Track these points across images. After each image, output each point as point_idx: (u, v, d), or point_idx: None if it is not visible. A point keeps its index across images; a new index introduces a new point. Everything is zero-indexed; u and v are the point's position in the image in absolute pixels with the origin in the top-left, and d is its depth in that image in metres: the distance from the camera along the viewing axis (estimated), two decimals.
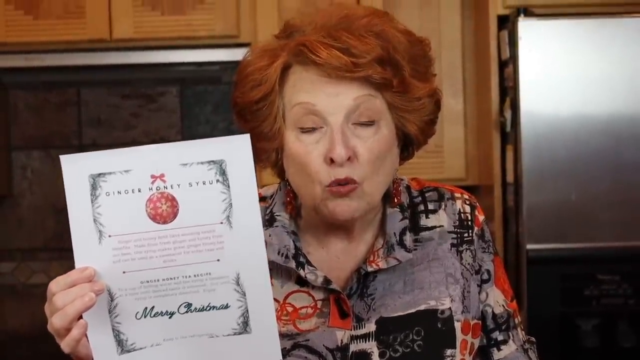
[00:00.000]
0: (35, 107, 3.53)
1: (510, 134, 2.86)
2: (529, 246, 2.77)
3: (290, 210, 1.40)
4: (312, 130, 1.30)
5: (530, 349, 1.48)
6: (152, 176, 1.17)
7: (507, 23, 2.88)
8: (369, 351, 1.35)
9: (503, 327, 1.44)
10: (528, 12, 2.81)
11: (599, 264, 2.76)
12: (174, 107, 3.51)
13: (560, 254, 2.76)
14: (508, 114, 2.85)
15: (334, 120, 1.29)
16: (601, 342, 2.74)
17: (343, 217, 1.33)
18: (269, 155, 1.37)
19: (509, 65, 2.86)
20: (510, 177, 2.87)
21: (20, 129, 3.54)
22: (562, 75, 2.77)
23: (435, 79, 1.37)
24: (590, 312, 2.75)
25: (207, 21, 3.13)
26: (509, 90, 2.86)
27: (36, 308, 3.49)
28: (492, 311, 1.43)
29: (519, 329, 1.46)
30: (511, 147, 2.86)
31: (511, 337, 1.45)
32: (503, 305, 1.44)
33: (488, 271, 1.44)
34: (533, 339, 1.50)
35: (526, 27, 2.77)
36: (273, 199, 1.42)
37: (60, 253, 3.52)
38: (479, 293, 1.42)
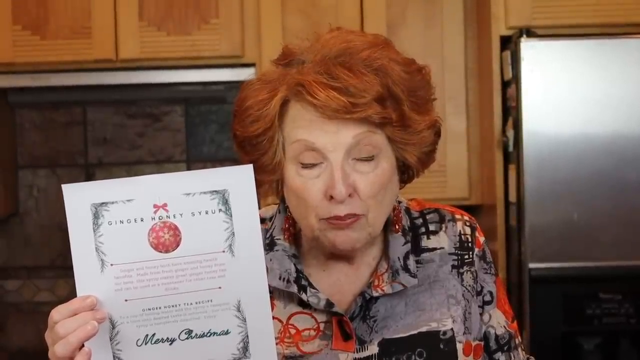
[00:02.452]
0: (42, 126, 3.55)
1: (512, 154, 2.86)
2: (532, 265, 2.75)
3: (288, 237, 1.40)
4: (312, 165, 1.29)
5: None
6: (155, 206, 1.17)
7: (509, 44, 2.88)
8: None
9: (505, 348, 1.45)
10: (530, 33, 2.81)
11: (601, 283, 2.75)
12: (179, 126, 3.51)
13: (563, 273, 2.75)
14: (510, 134, 2.85)
15: (334, 157, 1.28)
16: None
17: (343, 248, 1.33)
18: (270, 186, 1.36)
19: (511, 86, 2.86)
20: (512, 197, 2.87)
21: (27, 148, 3.56)
22: (564, 95, 2.77)
23: (435, 109, 1.35)
24: (593, 331, 2.74)
25: (212, 41, 3.14)
26: (512, 110, 2.86)
27: (42, 326, 3.49)
28: (495, 332, 1.44)
29: (519, 349, 1.48)
30: (514, 166, 2.85)
31: (512, 357, 1.46)
32: (504, 327, 1.45)
33: (490, 292, 1.45)
34: (533, 358, 1.51)
35: (528, 48, 2.78)
36: (273, 222, 1.42)
37: (65, 271, 3.51)
38: (481, 314, 1.43)
